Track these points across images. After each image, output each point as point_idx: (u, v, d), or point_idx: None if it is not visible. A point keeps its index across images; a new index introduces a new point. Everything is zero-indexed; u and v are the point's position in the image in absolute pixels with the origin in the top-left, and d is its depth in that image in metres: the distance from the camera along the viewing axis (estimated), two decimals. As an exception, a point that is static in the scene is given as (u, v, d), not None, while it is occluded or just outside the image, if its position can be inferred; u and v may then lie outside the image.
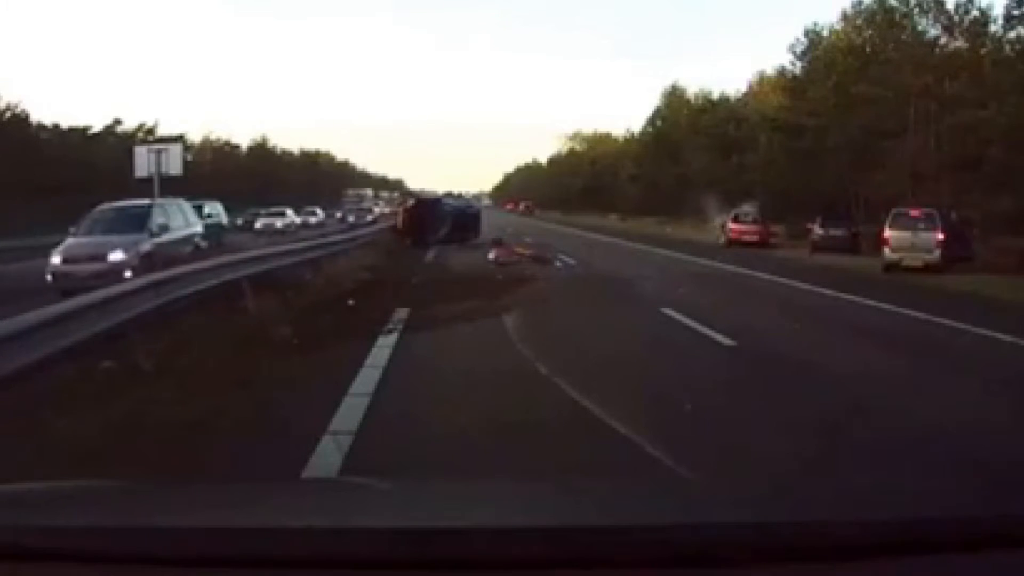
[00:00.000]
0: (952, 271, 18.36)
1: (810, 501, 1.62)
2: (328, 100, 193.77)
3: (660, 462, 4.35)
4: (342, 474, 4.15)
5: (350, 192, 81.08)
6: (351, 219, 49.02)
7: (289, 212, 44.91)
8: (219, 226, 27.25)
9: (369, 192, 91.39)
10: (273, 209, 44.68)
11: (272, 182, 61.85)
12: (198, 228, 16.92)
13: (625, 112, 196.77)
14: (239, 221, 40.69)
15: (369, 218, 50.00)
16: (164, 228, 14.55)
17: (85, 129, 47.11)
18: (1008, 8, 29.06)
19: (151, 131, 49.61)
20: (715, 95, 54.82)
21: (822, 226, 27.94)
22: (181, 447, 4.59)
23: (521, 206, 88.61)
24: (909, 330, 10.40)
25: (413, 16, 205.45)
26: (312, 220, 47.38)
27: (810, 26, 39.39)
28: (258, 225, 40.45)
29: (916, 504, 1.53)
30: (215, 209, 28.13)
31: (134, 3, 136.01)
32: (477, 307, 11.24)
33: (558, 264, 21.27)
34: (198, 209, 26.63)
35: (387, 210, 68.73)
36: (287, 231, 38.00)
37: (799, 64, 39.76)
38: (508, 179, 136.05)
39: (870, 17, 35.07)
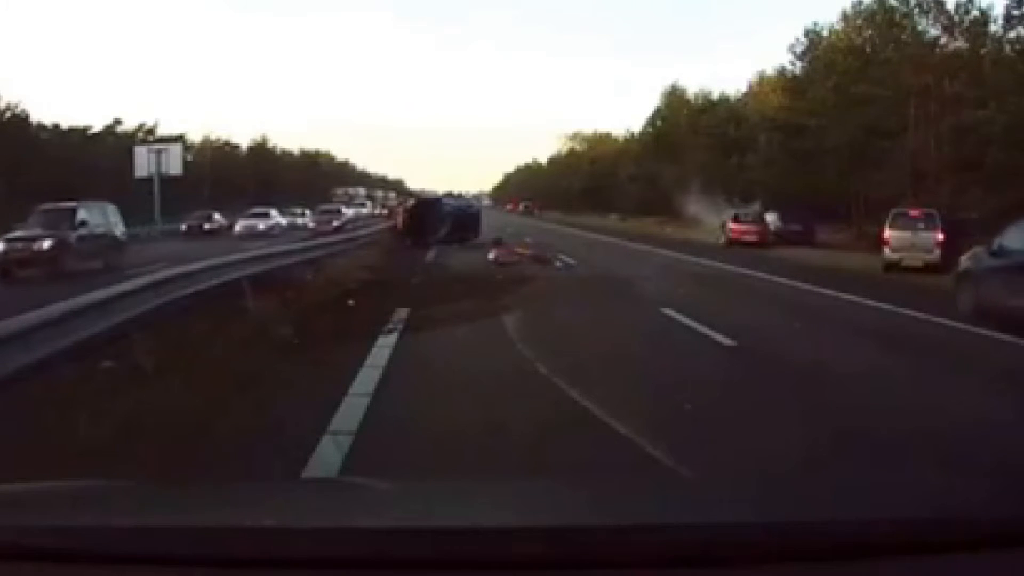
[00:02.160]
0: (952, 271, 18.34)
1: (810, 501, 1.62)
2: (328, 100, 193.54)
3: (660, 462, 4.35)
4: (342, 474, 4.15)
5: (339, 191, 73.48)
6: (311, 225, 38.97)
7: (273, 213, 39.10)
8: (110, 239, 19.93)
9: (362, 191, 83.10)
10: (256, 209, 39.37)
11: (272, 182, 61.32)
12: None
13: (625, 112, 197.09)
14: (183, 227, 35.95)
15: (336, 223, 38.22)
16: None
17: (85, 129, 47.22)
18: (1008, 8, 29.09)
19: (151, 131, 49.76)
20: (715, 95, 54.97)
21: (781, 221, 32.84)
22: (181, 447, 4.59)
23: (521, 206, 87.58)
24: (909, 329, 10.40)
25: (413, 16, 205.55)
26: (299, 221, 41.27)
27: (810, 26, 39.46)
28: (238, 228, 35.78)
29: (916, 504, 1.53)
30: (97, 216, 20.07)
31: (134, 3, 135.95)
32: (477, 307, 11.24)
33: (558, 264, 21.26)
34: (70, 213, 19.00)
35: (378, 211, 61.50)
36: (271, 234, 33.33)
37: (799, 64, 39.81)
38: (508, 179, 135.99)
39: (870, 17, 35.06)
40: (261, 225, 36.34)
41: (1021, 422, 5.51)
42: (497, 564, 1.21)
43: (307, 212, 44.17)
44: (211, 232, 35.91)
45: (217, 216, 39.03)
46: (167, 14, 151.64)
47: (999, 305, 10.37)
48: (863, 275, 18.44)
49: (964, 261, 12.63)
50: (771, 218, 33.41)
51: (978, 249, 12.45)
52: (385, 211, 59.19)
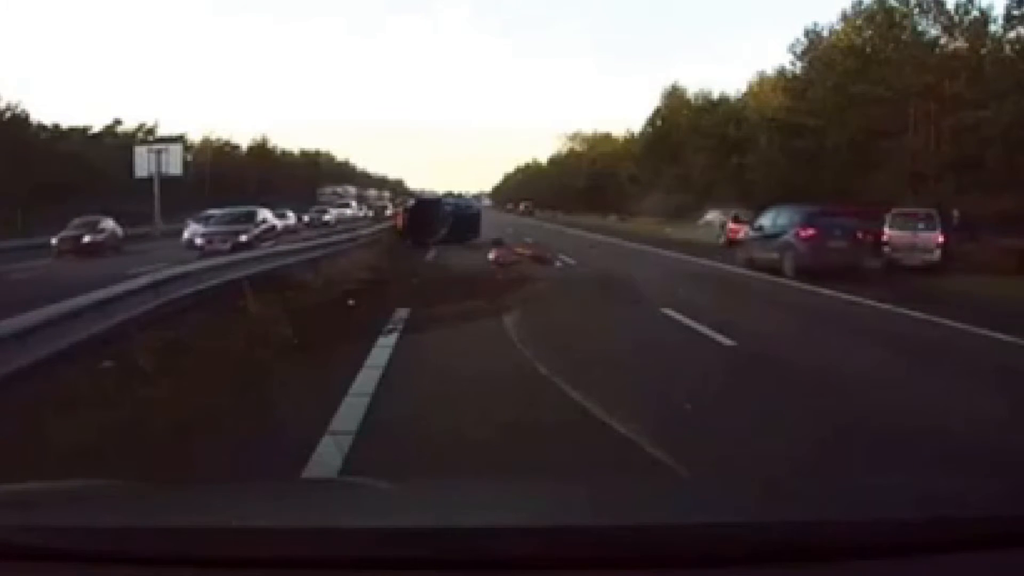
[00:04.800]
0: (952, 271, 18.34)
1: (810, 501, 1.62)
2: (328, 100, 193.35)
3: (661, 462, 4.35)
4: (342, 474, 4.15)
5: (327, 190, 68.17)
6: (198, 241, 23.28)
7: None
8: None
9: (352, 190, 77.19)
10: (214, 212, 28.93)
11: (272, 181, 61.16)
12: None
13: (625, 112, 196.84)
14: (54, 240, 25.68)
15: (244, 237, 22.31)
16: None
17: (85, 129, 47.36)
18: (1008, 8, 29.15)
19: (151, 131, 49.90)
20: (715, 95, 54.81)
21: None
22: (181, 447, 4.59)
23: (521, 206, 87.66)
24: (909, 330, 10.38)
25: (413, 17, 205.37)
26: (185, 235, 26.69)
27: (810, 26, 39.55)
28: (186, 234, 26.74)
29: (916, 504, 1.53)
30: None
31: (134, 3, 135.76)
32: (477, 307, 11.23)
33: (558, 264, 21.26)
34: None
35: (363, 212, 56.81)
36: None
37: (799, 64, 39.86)
38: (508, 179, 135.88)
39: (870, 17, 35.09)
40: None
41: (1019, 420, 5.51)
42: (497, 564, 1.21)
43: (289, 214, 31.39)
44: (93, 247, 25.22)
45: (109, 223, 27.77)
46: (167, 14, 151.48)
47: (753, 258, 18.92)
48: (863, 275, 18.38)
49: (741, 233, 22.28)
50: (712, 216, 34.76)
51: (748, 227, 21.35)
52: (371, 213, 55.91)
